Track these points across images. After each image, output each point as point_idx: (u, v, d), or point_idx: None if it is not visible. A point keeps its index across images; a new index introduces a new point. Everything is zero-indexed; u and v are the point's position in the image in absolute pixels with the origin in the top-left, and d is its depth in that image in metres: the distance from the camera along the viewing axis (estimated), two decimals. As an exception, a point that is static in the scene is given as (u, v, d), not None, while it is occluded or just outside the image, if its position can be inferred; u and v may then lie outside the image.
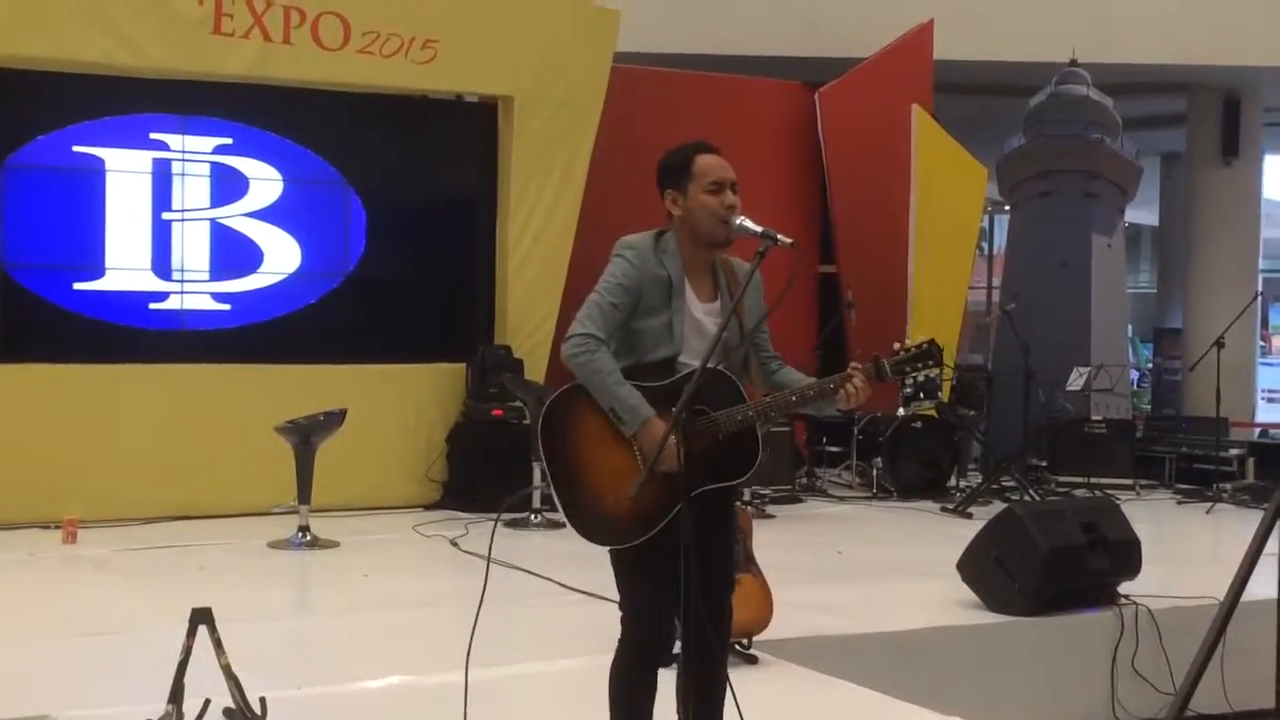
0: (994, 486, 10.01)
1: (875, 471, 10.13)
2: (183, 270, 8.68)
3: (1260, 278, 15.93)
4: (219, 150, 8.78)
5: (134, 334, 8.53)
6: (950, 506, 9.52)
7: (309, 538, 7.53)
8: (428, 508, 8.89)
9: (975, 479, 10.79)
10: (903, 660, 5.46)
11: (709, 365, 3.24)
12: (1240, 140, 14.62)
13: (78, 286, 8.40)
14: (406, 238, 9.38)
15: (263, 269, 8.89)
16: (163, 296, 8.64)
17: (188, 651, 3.71)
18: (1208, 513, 9.79)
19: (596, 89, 9.46)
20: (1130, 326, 17.19)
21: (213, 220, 8.78)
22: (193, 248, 8.70)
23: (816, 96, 11.35)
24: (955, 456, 10.48)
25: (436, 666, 4.69)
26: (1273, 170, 17.97)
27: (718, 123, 8.88)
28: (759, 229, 3.37)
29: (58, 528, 7.54)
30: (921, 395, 11.35)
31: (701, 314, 3.48)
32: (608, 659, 3.49)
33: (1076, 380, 11.45)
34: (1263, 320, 20.53)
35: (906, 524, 9.15)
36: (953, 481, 10.38)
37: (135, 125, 8.55)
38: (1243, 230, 14.97)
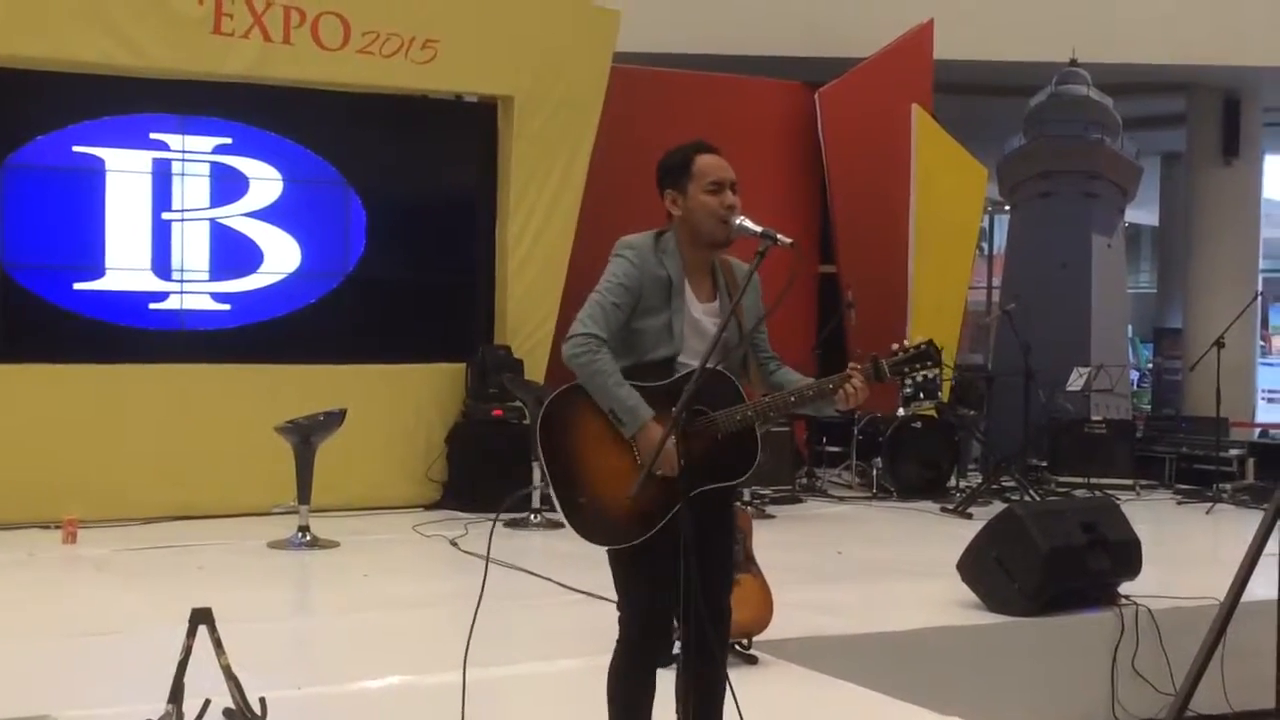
0: (994, 487, 10.01)
1: (875, 472, 10.13)
2: (183, 270, 8.68)
3: (1260, 278, 15.94)
4: (219, 150, 8.78)
5: (134, 334, 8.53)
6: (950, 507, 9.52)
7: (309, 538, 7.53)
8: (427, 508, 8.89)
9: (975, 479, 10.79)
10: (903, 660, 5.46)
11: (708, 365, 3.24)
12: (1240, 140, 14.63)
13: (78, 286, 8.40)
14: (406, 238, 9.38)
15: (263, 269, 8.89)
16: (163, 296, 8.64)
17: (188, 651, 3.71)
18: (1208, 513, 9.78)
19: (596, 89, 9.46)
20: (1130, 327, 17.19)
21: (212, 220, 8.78)
22: (192, 248, 8.69)
23: (816, 96, 11.35)
24: (955, 457, 10.48)
25: (436, 667, 4.69)
26: (1273, 170, 17.98)
27: (718, 123, 8.88)
28: (759, 229, 3.37)
29: (58, 528, 7.53)
30: (921, 395, 11.36)
31: (701, 314, 3.49)
32: (607, 659, 3.49)
33: (1076, 380, 11.45)
34: (1263, 320, 20.53)
35: (906, 524, 9.15)
36: (953, 482, 10.38)
37: (135, 125, 8.55)
38: (1243, 230, 14.98)
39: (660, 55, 11.30)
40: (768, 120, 11.38)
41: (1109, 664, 5.94)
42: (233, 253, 8.81)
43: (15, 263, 8.27)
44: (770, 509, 9.18)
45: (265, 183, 8.90)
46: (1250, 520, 8.83)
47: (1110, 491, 9.93)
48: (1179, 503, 10.34)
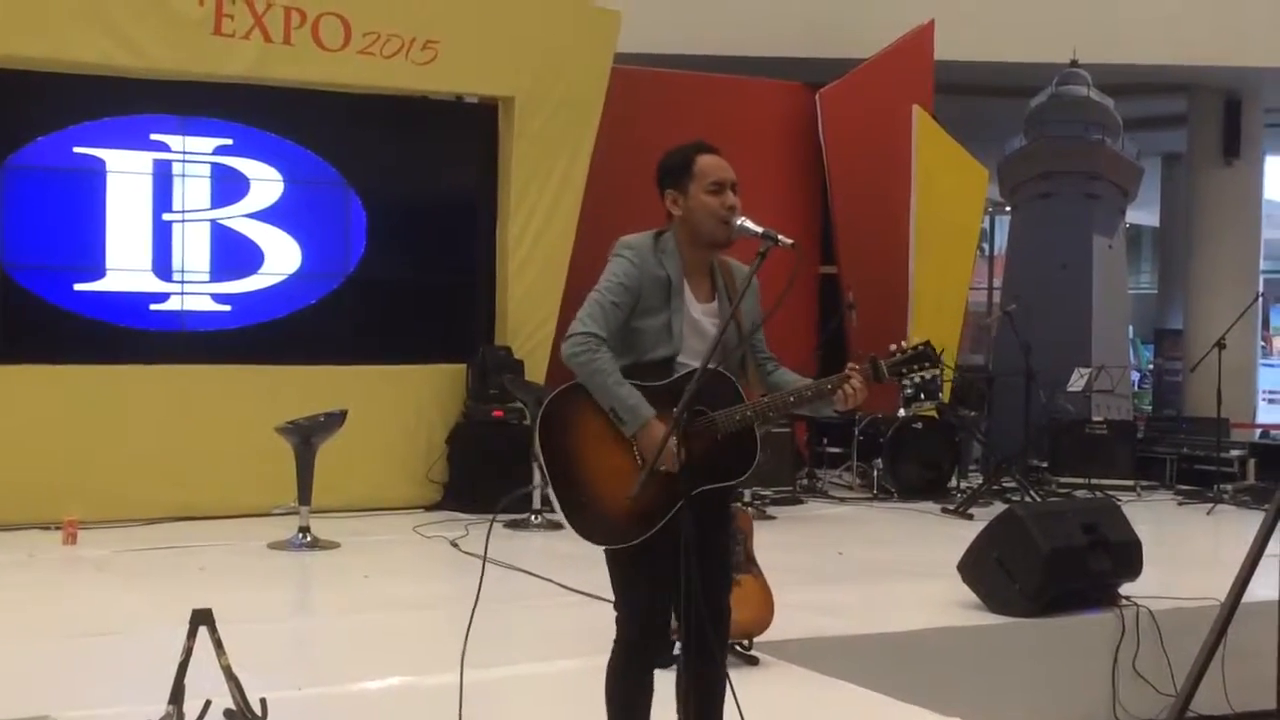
0: (995, 487, 10.01)
1: (876, 472, 10.13)
2: (183, 271, 8.67)
3: (1261, 279, 15.93)
4: (219, 151, 8.78)
5: (134, 335, 8.53)
6: (951, 507, 9.51)
7: (309, 539, 7.52)
8: (428, 509, 8.89)
9: (976, 480, 10.78)
10: (904, 661, 5.46)
11: (708, 366, 3.24)
12: (1241, 141, 14.64)
13: (78, 287, 8.40)
14: (407, 238, 9.38)
15: (263, 270, 8.89)
16: (163, 297, 8.64)
17: (188, 652, 3.71)
18: (1208, 514, 9.78)
19: (597, 90, 9.46)
20: (1131, 327, 17.19)
21: (213, 221, 8.77)
22: (193, 248, 8.69)
23: (817, 97, 11.34)
24: (956, 457, 10.47)
25: (436, 667, 4.68)
26: (1273, 171, 17.97)
27: (718, 123, 8.89)
28: (760, 230, 3.37)
29: (58, 529, 7.53)
30: (922, 396, 11.34)
31: (700, 314, 3.49)
32: (606, 660, 3.48)
33: (1077, 381, 11.45)
34: (1263, 321, 20.51)
35: (907, 525, 9.15)
36: (953, 482, 10.38)
37: (136, 126, 8.55)
38: (1243, 231, 14.98)
39: (661, 56, 11.30)
40: (768, 121, 11.38)
41: (1110, 665, 5.94)
42: (233, 254, 8.81)
43: (16, 263, 8.27)
44: (771, 510, 9.17)
45: (266, 184, 8.90)
46: (1251, 521, 8.83)
47: (1111, 492, 9.93)
48: (1180, 504, 10.33)
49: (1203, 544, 8.96)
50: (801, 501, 9.78)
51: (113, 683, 4.77)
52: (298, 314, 9.00)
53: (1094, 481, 10.63)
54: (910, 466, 10.13)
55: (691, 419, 3.26)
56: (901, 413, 10.18)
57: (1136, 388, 17.62)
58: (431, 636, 5.46)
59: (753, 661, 5.03)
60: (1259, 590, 5.62)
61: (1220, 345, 10.01)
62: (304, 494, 7.56)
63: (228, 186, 8.80)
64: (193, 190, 8.71)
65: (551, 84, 9.29)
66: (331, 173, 9.10)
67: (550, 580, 6.42)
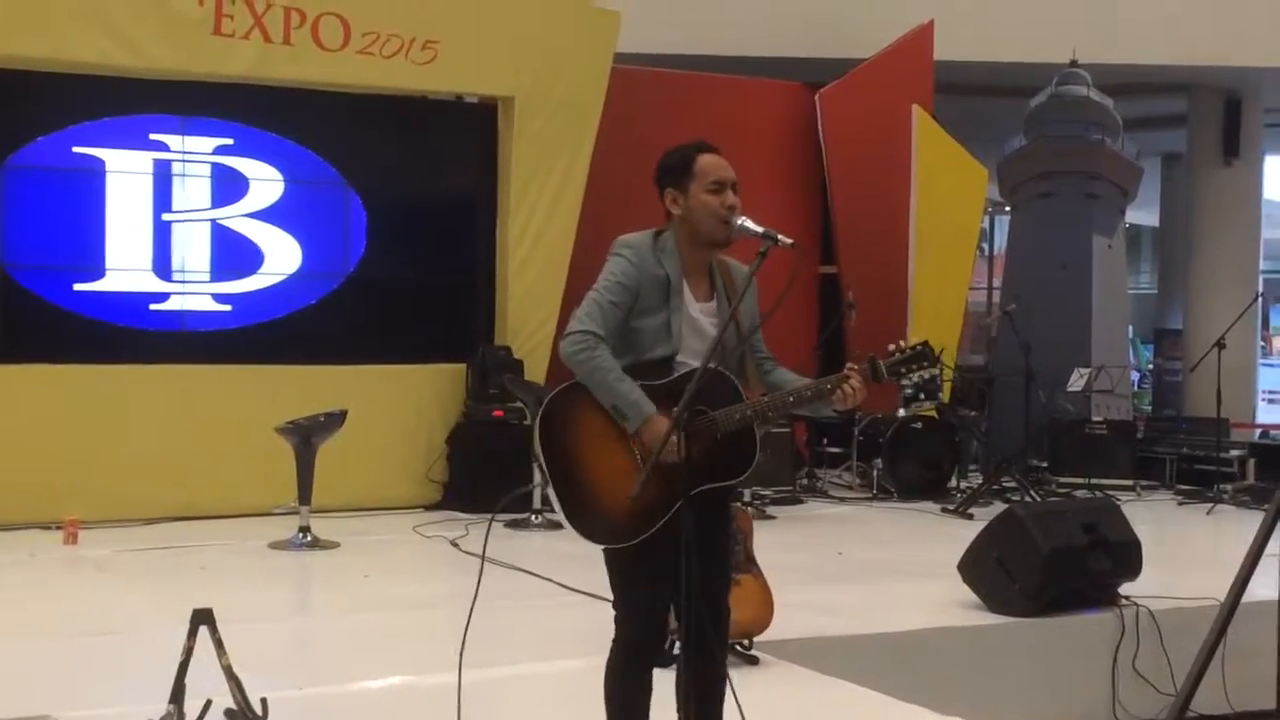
0: (995, 487, 10.01)
1: (876, 472, 10.13)
2: (183, 271, 8.68)
3: (1261, 279, 15.93)
4: (219, 151, 8.78)
5: (134, 335, 8.53)
6: (951, 507, 9.51)
7: (310, 538, 7.53)
8: (428, 508, 8.89)
9: (976, 480, 10.78)
10: (904, 661, 5.46)
11: (709, 365, 3.24)
12: (1241, 141, 14.63)
13: (78, 287, 8.40)
14: (407, 238, 9.38)
15: (263, 270, 8.89)
16: (163, 297, 8.64)
17: (189, 652, 3.71)
18: (1208, 514, 9.78)
19: (597, 90, 9.46)
20: (1131, 327, 17.19)
21: (213, 221, 8.78)
22: (193, 248, 8.70)
23: (817, 97, 11.34)
24: (956, 457, 10.48)
25: (437, 667, 4.67)
26: (1273, 171, 17.96)
27: (718, 123, 8.88)
28: (760, 229, 3.37)
29: (58, 528, 7.54)
30: (922, 396, 11.33)
31: (699, 314, 3.49)
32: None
33: (1077, 381, 11.45)
34: (1263, 321, 20.52)
35: (907, 525, 9.15)
36: (953, 482, 10.38)
37: (135, 126, 8.55)
38: (1243, 231, 14.98)
39: (661, 56, 11.30)
40: (768, 121, 11.38)
41: (1110, 664, 5.94)
42: (233, 253, 8.81)
43: (16, 263, 8.27)
44: (771, 510, 9.17)
45: (266, 183, 8.90)
46: (1251, 521, 8.82)
47: (1111, 492, 9.93)
48: (1180, 503, 10.33)
49: (1202, 544, 8.96)
50: (801, 501, 9.78)
51: (113, 682, 4.77)
52: (298, 314, 9.00)
53: (1094, 481, 10.63)
54: (910, 466, 10.13)
55: (692, 418, 3.27)
56: (901, 412, 10.18)
57: (1136, 388, 17.63)
58: (432, 636, 5.46)
59: (753, 661, 5.03)
60: (1259, 590, 5.61)
61: (1220, 345, 10.01)
62: (304, 494, 7.57)
63: (228, 186, 8.80)
64: (193, 190, 8.72)
65: (551, 84, 9.29)
66: (331, 173, 9.10)
67: (550, 580, 6.43)
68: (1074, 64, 12.91)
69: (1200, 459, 11.04)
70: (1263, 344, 19.39)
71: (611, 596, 3.48)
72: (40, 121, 8.30)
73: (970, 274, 12.65)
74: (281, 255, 8.94)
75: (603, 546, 3.39)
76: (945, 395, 10.77)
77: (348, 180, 9.15)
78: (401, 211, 9.37)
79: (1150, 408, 18.13)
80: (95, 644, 5.28)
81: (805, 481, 10.38)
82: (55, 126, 8.33)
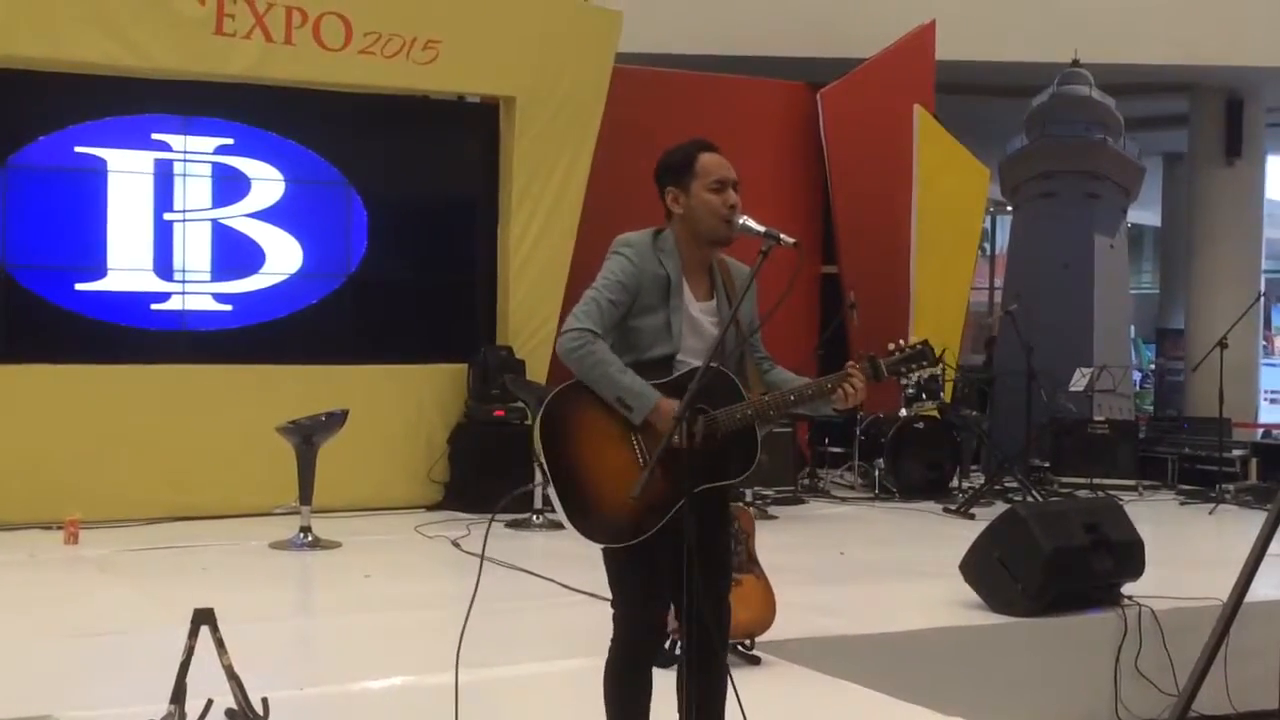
0: (996, 487, 10.01)
1: (877, 472, 10.12)
2: (184, 271, 8.67)
3: (1263, 278, 15.92)
4: (220, 150, 8.78)
5: (136, 334, 8.53)
6: (953, 507, 9.51)
7: (311, 538, 7.52)
8: (429, 508, 8.89)
9: (978, 480, 10.78)
10: (905, 661, 5.46)
11: (710, 365, 3.23)
12: (1243, 141, 14.62)
13: (79, 287, 8.40)
14: (408, 238, 9.38)
15: (264, 269, 8.89)
16: (164, 297, 8.64)
17: (190, 652, 3.71)
18: (1210, 514, 9.77)
19: (598, 89, 9.45)
20: (1133, 327, 17.18)
21: (214, 221, 8.78)
22: (194, 248, 8.69)
23: (818, 97, 11.35)
24: (958, 457, 10.47)
25: (438, 667, 4.65)
26: (1275, 171, 17.96)
27: (720, 123, 8.89)
28: (762, 229, 3.37)
29: (59, 528, 7.53)
30: (924, 396, 11.33)
31: (699, 313, 3.49)
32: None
33: (1079, 381, 11.44)
34: (1265, 321, 20.51)
35: (909, 525, 9.14)
36: (955, 482, 10.38)
37: (137, 126, 8.56)
38: (1245, 231, 14.97)
39: (662, 56, 11.30)
40: (769, 120, 11.38)
41: (1112, 664, 5.93)
42: (234, 253, 8.81)
43: (17, 263, 8.27)
44: (773, 510, 9.17)
45: (267, 183, 8.90)
46: (1253, 521, 8.82)
47: (1113, 492, 9.92)
48: (1182, 503, 10.33)
49: (1205, 544, 8.95)
50: (803, 501, 9.78)
51: (115, 682, 4.77)
52: (299, 314, 9.00)
53: (1096, 481, 10.63)
54: (912, 466, 10.13)
55: (693, 417, 3.26)
56: (903, 412, 10.18)
57: (1138, 387, 17.62)
58: (433, 636, 5.43)
59: (754, 661, 5.02)
60: (1261, 590, 5.62)
61: (1222, 345, 10.00)
62: (305, 494, 7.56)
63: (229, 186, 8.80)
64: (194, 190, 8.71)
65: (553, 84, 9.29)
66: (333, 172, 9.10)
67: (552, 580, 6.42)
68: (1076, 63, 12.90)
69: (1202, 459, 11.03)
70: (1264, 344, 19.36)
71: (611, 596, 3.48)
72: (42, 121, 8.30)
73: (972, 274, 12.65)
74: (283, 255, 8.94)
75: (603, 546, 3.38)
76: (947, 395, 10.76)
77: (349, 180, 9.14)
78: (403, 211, 9.37)
79: (1152, 408, 18.13)
80: (96, 644, 5.28)
81: (807, 481, 10.38)
82: (57, 126, 8.33)
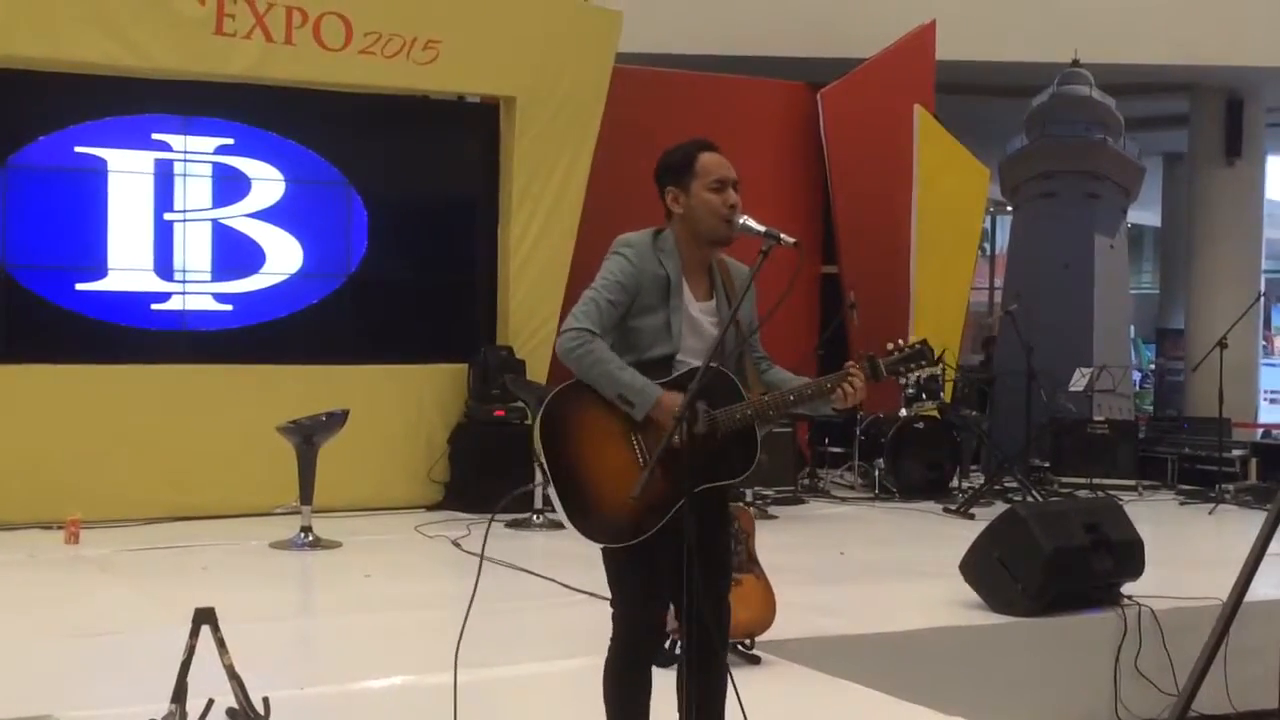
0: (996, 487, 10.01)
1: (877, 472, 10.12)
2: (184, 271, 8.68)
3: (1263, 278, 15.92)
4: (221, 150, 8.78)
5: (136, 334, 8.53)
6: (953, 507, 9.51)
7: (311, 538, 7.52)
8: (430, 508, 8.89)
9: (978, 480, 10.78)
10: (906, 661, 5.46)
11: (711, 364, 3.24)
12: (1243, 141, 14.62)
13: (80, 287, 8.40)
14: (408, 238, 9.38)
15: (265, 269, 8.89)
16: (165, 297, 8.64)
17: (191, 651, 3.72)
18: (1210, 513, 9.77)
19: (598, 89, 9.46)
20: (1133, 327, 17.18)
21: (215, 221, 8.78)
22: (195, 248, 8.70)
23: (818, 97, 11.35)
24: (957, 457, 10.47)
25: (438, 667, 4.66)
26: (1275, 171, 17.96)
27: (720, 123, 8.89)
28: (762, 228, 3.37)
29: (60, 528, 7.53)
30: (924, 396, 11.33)
31: (698, 313, 3.49)
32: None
33: (1079, 381, 11.45)
34: (1265, 321, 20.51)
35: (909, 525, 9.14)
36: (955, 482, 10.38)
37: (137, 126, 8.56)
38: (1245, 231, 14.97)
39: (662, 56, 11.30)
40: (770, 120, 11.38)
41: (1112, 664, 5.94)
42: (235, 253, 8.81)
43: (17, 263, 8.27)
44: (773, 510, 9.17)
45: (267, 183, 8.90)
46: (1253, 520, 8.82)
47: (1113, 492, 9.92)
48: (1181, 503, 10.33)
49: (1205, 544, 8.95)
50: (803, 501, 9.78)
51: (115, 682, 4.77)
52: (299, 314, 9.00)
53: (1095, 481, 10.63)
54: (912, 466, 10.13)
55: (693, 414, 3.26)
56: (903, 412, 10.18)
57: (1138, 387, 17.62)
58: (433, 636, 5.42)
59: (754, 661, 5.03)
60: (1261, 590, 5.62)
61: (1222, 345, 10.00)
62: (306, 493, 7.56)
63: (229, 186, 8.80)
64: (194, 190, 8.72)
65: (553, 84, 9.29)
66: (333, 172, 9.10)
67: (552, 580, 6.43)
68: (1076, 63, 12.90)
69: (1202, 459, 11.04)
70: (1264, 344, 19.37)
71: (610, 596, 3.48)
72: (42, 121, 8.30)
73: (972, 274, 12.65)
74: (283, 255, 8.94)
75: (602, 546, 3.38)
76: (947, 395, 10.76)
77: (349, 180, 9.15)
78: (403, 211, 9.38)
79: (1152, 408, 18.13)
80: (97, 644, 5.28)
81: (807, 481, 10.38)
82: (57, 126, 8.33)
